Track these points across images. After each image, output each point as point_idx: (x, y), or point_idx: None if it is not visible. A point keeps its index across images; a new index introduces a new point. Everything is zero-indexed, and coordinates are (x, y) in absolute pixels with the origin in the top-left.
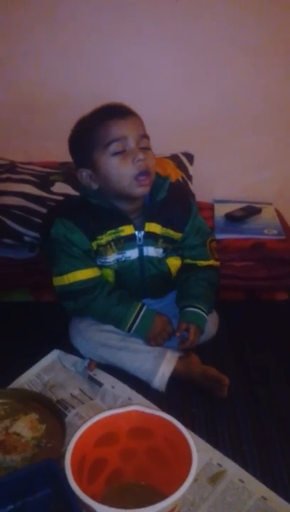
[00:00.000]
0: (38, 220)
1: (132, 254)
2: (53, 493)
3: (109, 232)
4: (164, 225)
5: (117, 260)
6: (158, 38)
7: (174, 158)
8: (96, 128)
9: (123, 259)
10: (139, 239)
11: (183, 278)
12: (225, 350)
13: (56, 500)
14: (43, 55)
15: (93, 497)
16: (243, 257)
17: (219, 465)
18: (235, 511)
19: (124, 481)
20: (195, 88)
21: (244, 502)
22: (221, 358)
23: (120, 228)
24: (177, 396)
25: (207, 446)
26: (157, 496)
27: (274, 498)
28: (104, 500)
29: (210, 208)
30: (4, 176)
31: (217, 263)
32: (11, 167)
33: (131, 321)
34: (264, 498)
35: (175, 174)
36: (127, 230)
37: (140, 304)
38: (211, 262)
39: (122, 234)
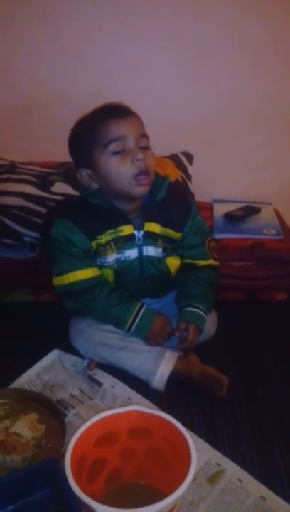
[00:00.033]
0: (38, 220)
1: (132, 253)
2: (53, 493)
3: (108, 231)
4: (163, 224)
5: (117, 260)
6: (158, 38)
7: (173, 157)
8: (95, 128)
9: (122, 258)
10: (139, 238)
11: (183, 278)
12: (224, 349)
13: (56, 500)
14: (43, 55)
15: (93, 497)
16: (242, 256)
17: (218, 465)
18: (234, 511)
19: (123, 481)
20: (195, 88)
21: (243, 501)
22: (220, 358)
23: (120, 228)
24: (176, 396)
25: (206, 445)
26: (156, 495)
27: (273, 498)
28: (103, 500)
29: (209, 207)
30: (4, 176)
31: (216, 263)
32: (11, 167)
33: (130, 321)
34: (263, 498)
35: (174, 174)
36: (127, 229)
37: (139, 304)
38: (210, 261)
39: (122, 234)
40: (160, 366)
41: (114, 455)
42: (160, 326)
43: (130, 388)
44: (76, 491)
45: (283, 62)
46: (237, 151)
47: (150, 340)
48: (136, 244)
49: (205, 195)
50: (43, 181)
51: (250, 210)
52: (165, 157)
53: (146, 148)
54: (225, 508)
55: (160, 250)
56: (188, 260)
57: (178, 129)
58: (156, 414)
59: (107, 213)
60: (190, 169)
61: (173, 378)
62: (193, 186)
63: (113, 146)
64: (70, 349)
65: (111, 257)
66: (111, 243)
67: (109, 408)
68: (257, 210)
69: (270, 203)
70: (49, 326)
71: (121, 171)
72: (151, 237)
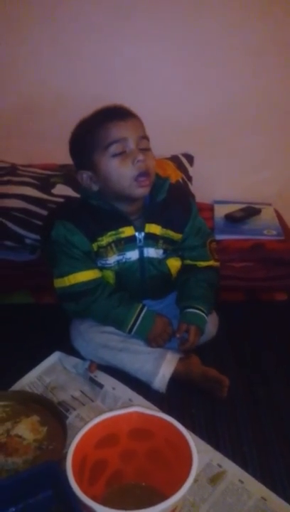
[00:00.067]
0: (39, 222)
1: (132, 255)
2: (55, 495)
3: (109, 233)
4: (164, 225)
5: (118, 261)
6: (158, 38)
7: (174, 159)
8: (96, 130)
9: (123, 260)
10: (139, 240)
11: (183, 279)
12: (225, 351)
13: (57, 502)
14: (43, 55)
15: (94, 498)
16: (243, 257)
17: (220, 466)
18: None
19: (124, 482)
20: (195, 88)
21: (244, 503)
22: (221, 359)
23: (120, 229)
24: (177, 397)
25: (208, 447)
26: (157, 496)
27: (274, 499)
28: (104, 502)
29: (210, 208)
30: (5, 178)
31: (217, 264)
32: (12, 169)
33: (131, 323)
34: (264, 499)
35: (175, 175)
36: (127, 231)
37: (140, 305)
38: (211, 262)
39: (122, 235)
40: (162, 368)
41: (115, 456)
42: (161, 327)
43: (131, 390)
44: (77, 492)
45: (283, 62)
46: (237, 152)
47: (151, 341)
48: (137, 246)
49: (206, 196)
50: (44, 183)
51: (251, 211)
52: (166, 158)
53: (146, 150)
54: (226, 509)
55: (161, 252)
56: (188, 261)
57: (178, 129)
58: (157, 416)
59: (108, 215)
60: (191, 170)
61: (174, 380)
62: (194, 187)
63: (113, 148)
64: (71, 351)
65: (112, 259)
66: (112, 245)
67: (110, 410)
68: (258, 211)
69: (270, 204)
70: (50, 328)
71: (121, 172)
72: (151, 239)
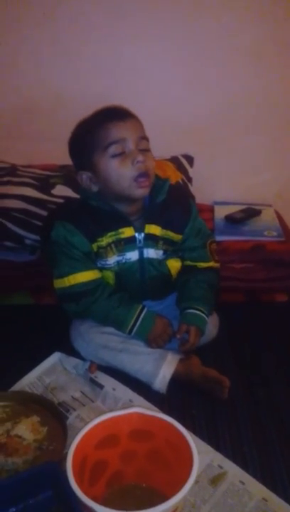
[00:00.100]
0: (39, 223)
1: (132, 256)
2: (55, 495)
3: (109, 234)
4: (164, 226)
5: (118, 262)
6: (158, 38)
7: (174, 160)
8: (95, 130)
9: (123, 261)
10: (139, 241)
11: (183, 280)
12: (225, 351)
13: (58, 503)
14: (43, 55)
15: (94, 499)
16: (243, 258)
17: (220, 467)
18: None
19: (124, 483)
20: (195, 89)
21: (245, 504)
22: (221, 360)
23: (120, 230)
24: (178, 398)
25: (208, 447)
26: (158, 497)
27: (275, 500)
28: (105, 503)
29: (210, 209)
30: (5, 179)
31: (217, 265)
32: (12, 170)
33: (131, 323)
34: (265, 500)
35: (175, 176)
36: (127, 231)
37: (140, 306)
38: (211, 263)
39: (122, 236)
40: (162, 368)
41: (116, 457)
42: (161, 328)
43: (131, 390)
44: (77, 493)
45: (283, 62)
46: (237, 153)
47: (151, 342)
48: (137, 247)
49: (206, 197)
50: (44, 184)
51: (251, 212)
52: (166, 159)
53: (146, 151)
54: (227, 510)
55: (160, 252)
56: (188, 262)
57: (178, 130)
58: (158, 417)
59: (108, 215)
60: (191, 171)
61: (175, 380)
62: (194, 188)
63: (113, 149)
64: (71, 351)
65: (112, 260)
66: (112, 245)
67: (111, 410)
68: (258, 212)
69: (270, 205)
70: (50, 329)
71: (121, 173)
72: (151, 239)
